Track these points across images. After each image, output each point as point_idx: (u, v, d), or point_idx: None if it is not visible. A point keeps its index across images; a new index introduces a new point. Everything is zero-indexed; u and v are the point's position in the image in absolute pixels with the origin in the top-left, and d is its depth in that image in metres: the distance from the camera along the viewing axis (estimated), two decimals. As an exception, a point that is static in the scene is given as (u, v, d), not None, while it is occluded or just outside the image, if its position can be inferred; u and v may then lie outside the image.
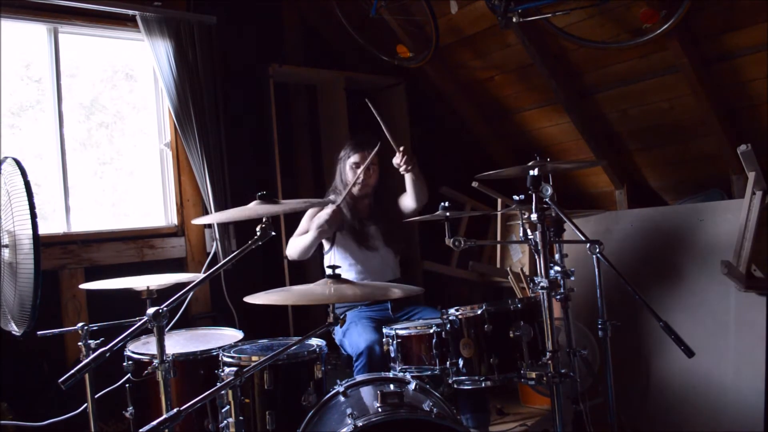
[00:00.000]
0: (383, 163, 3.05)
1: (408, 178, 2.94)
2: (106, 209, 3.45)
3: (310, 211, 2.97)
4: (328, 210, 2.79)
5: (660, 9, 2.64)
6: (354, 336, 2.64)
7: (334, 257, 3.01)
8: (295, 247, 2.91)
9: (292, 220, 3.08)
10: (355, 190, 2.98)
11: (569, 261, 2.33)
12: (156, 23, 3.25)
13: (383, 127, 2.86)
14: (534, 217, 2.01)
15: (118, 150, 3.53)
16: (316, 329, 1.87)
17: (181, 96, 3.29)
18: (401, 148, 2.85)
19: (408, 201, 3.01)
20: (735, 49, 2.78)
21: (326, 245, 3.05)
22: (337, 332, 2.77)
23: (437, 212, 2.47)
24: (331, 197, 2.99)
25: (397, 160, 2.87)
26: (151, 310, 1.57)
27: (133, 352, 2.30)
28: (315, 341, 2.17)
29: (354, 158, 2.98)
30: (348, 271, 2.96)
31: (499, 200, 3.74)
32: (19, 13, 3.00)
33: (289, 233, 3.08)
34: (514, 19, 2.77)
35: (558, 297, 2.18)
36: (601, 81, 3.30)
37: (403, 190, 3.01)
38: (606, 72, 3.23)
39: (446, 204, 2.46)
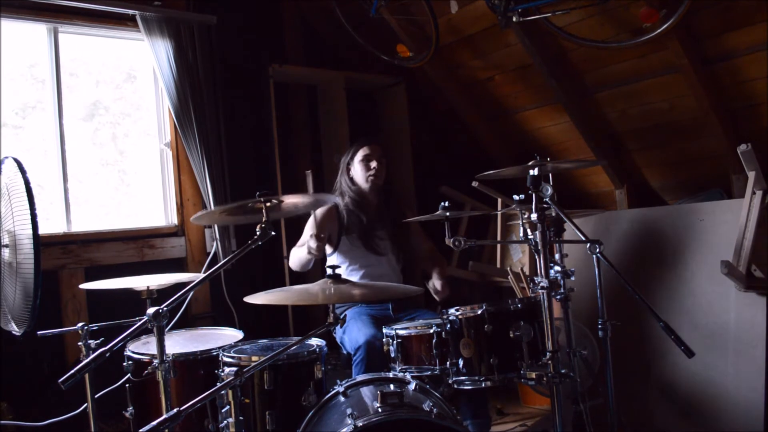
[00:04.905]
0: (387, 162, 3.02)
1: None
2: (106, 209, 3.45)
3: (310, 221, 2.91)
4: (312, 244, 2.63)
5: (660, 8, 2.63)
6: (354, 331, 2.62)
7: (337, 261, 2.95)
8: (293, 260, 2.87)
9: (293, 220, 3.07)
10: (367, 185, 2.94)
11: (569, 261, 2.33)
12: (156, 23, 3.25)
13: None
14: (534, 216, 2.01)
15: (118, 150, 3.53)
16: (316, 329, 1.87)
17: (181, 96, 3.29)
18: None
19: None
20: (735, 49, 2.78)
21: (328, 249, 2.97)
22: (338, 330, 2.74)
23: (437, 212, 2.47)
24: (337, 200, 2.95)
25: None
26: (151, 310, 1.58)
27: (133, 352, 2.30)
28: (315, 341, 2.17)
29: (363, 151, 2.94)
30: (349, 275, 2.90)
31: (499, 200, 3.73)
32: (19, 13, 3.00)
33: (290, 233, 3.07)
34: (514, 19, 2.77)
35: (558, 297, 2.18)
36: (601, 81, 3.30)
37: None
38: (606, 72, 3.23)
39: (446, 204, 2.45)
